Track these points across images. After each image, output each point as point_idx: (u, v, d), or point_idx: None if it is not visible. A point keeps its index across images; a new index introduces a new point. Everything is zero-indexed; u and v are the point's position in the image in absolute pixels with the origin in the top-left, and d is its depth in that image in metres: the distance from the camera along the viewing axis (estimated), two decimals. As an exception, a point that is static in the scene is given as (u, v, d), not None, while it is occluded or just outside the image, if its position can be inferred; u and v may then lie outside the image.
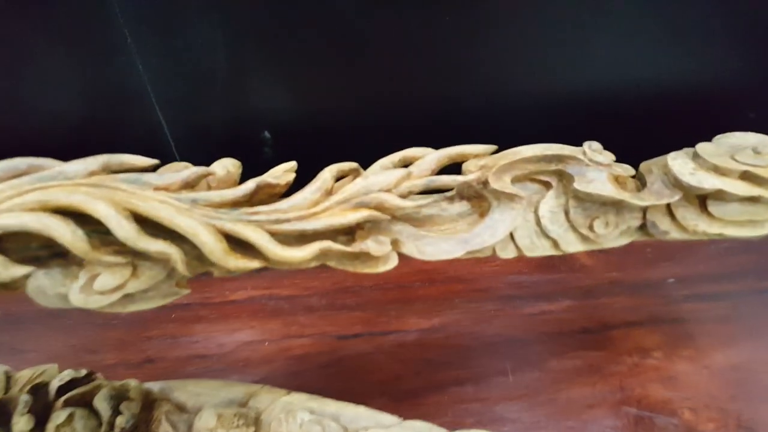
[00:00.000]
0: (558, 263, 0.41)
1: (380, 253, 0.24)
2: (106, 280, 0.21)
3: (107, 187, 0.20)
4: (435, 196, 0.26)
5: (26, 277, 0.20)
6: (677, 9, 0.41)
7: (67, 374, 0.30)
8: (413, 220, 0.25)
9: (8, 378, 0.30)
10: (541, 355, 0.35)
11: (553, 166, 0.25)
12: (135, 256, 0.21)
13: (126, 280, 0.21)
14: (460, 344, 0.36)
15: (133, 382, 0.31)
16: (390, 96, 0.47)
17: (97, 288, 0.21)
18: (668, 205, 0.27)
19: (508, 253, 0.25)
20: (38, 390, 0.29)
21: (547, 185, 0.26)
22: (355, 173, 0.24)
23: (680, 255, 0.40)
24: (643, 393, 0.32)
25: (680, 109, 0.45)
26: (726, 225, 0.27)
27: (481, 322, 0.37)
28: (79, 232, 0.20)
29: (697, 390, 0.32)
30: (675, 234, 0.27)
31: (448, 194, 0.26)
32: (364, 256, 0.24)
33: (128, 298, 0.22)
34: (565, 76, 0.45)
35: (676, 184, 0.26)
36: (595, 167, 0.25)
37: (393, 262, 0.25)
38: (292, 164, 0.24)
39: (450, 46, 0.44)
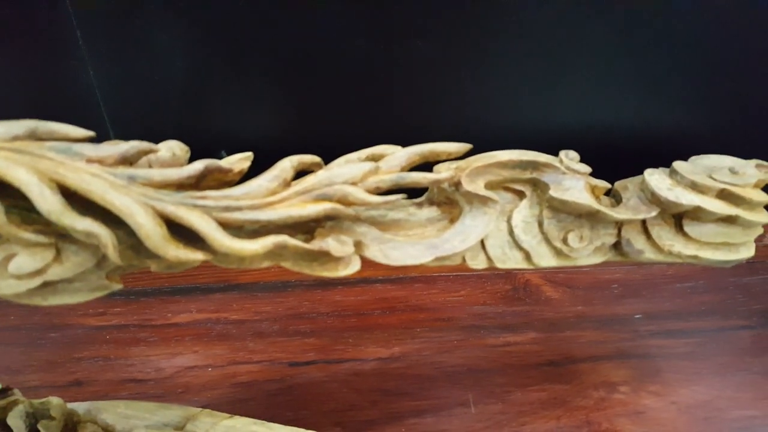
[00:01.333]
0: (523, 296, 0.40)
1: (342, 254, 0.22)
2: (24, 261, 0.18)
3: (31, 153, 0.18)
4: (403, 201, 0.24)
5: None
6: (639, 58, 0.42)
7: (-22, 388, 0.27)
8: (378, 223, 0.23)
9: None
10: (505, 387, 0.33)
11: (528, 174, 0.24)
12: (60, 238, 0.19)
13: (47, 264, 0.18)
14: (421, 374, 0.34)
15: (55, 400, 0.28)
16: (355, 120, 0.46)
17: (13, 271, 0.18)
18: (644, 224, 0.26)
19: (478, 262, 0.24)
20: (-62, 405, 0.26)
21: (521, 195, 0.25)
22: (317, 167, 0.22)
23: (646, 292, 0.40)
24: (610, 428, 0.30)
25: (642, 149, 0.46)
26: (701, 247, 0.26)
27: (443, 351, 0.35)
28: (-6, 201, 0.17)
29: (664, 426, 0.31)
30: (650, 254, 0.26)
31: (416, 200, 0.24)
32: (324, 257, 0.22)
33: (50, 287, 0.19)
34: (534, 115, 0.46)
35: (653, 199, 0.25)
36: (572, 176, 0.24)
37: (355, 266, 0.23)
38: (248, 154, 0.22)
39: (421, 77, 0.44)
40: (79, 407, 0.29)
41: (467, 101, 0.45)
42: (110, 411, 0.28)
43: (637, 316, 0.37)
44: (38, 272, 0.18)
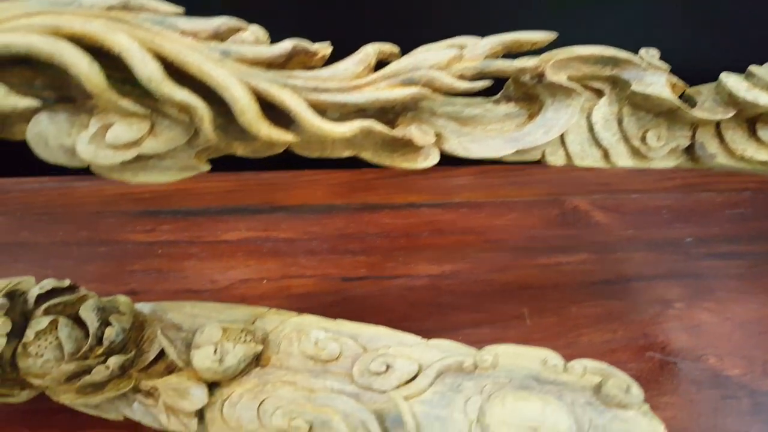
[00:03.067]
0: (572, 220, 0.40)
1: (424, 143, 0.21)
2: (121, 131, 0.18)
3: (129, 23, 0.18)
4: (479, 98, 0.24)
5: (27, 116, 0.17)
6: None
7: (48, 283, 0.27)
8: (456, 119, 0.23)
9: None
10: (559, 303, 0.33)
11: (607, 71, 0.24)
12: (154, 112, 0.19)
13: (142, 137, 0.18)
14: (474, 290, 0.34)
15: (122, 298, 0.28)
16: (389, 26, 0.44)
17: (110, 140, 0.18)
18: (717, 128, 0.25)
19: (557, 158, 0.23)
20: (14, 296, 0.26)
21: (599, 93, 0.24)
22: (394, 57, 0.22)
23: (696, 218, 0.39)
24: (667, 340, 0.31)
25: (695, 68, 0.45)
26: (775, 152, 0.26)
27: (495, 270, 0.36)
28: (96, 66, 0.17)
29: (720, 339, 0.31)
30: (722, 159, 0.26)
31: (492, 97, 0.24)
32: (404, 148, 0.22)
33: (142, 163, 0.19)
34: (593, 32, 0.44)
35: (730, 101, 0.24)
36: (653, 71, 0.23)
37: (434, 158, 0.22)
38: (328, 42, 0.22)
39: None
40: (144, 308, 0.29)
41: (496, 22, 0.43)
42: (176, 311, 0.29)
43: (688, 240, 0.37)
44: (134, 143, 0.18)
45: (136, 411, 0.27)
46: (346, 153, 0.22)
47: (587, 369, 0.22)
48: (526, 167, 0.44)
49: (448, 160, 0.45)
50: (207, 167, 0.21)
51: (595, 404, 0.21)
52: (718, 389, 0.29)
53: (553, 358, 0.22)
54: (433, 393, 0.23)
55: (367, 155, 0.22)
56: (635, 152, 0.24)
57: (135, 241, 0.38)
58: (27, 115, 0.18)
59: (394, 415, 0.23)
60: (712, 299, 0.33)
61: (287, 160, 0.46)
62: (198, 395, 0.25)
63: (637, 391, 0.21)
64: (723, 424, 0.27)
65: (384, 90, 0.20)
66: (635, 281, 0.34)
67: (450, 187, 0.42)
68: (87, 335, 0.26)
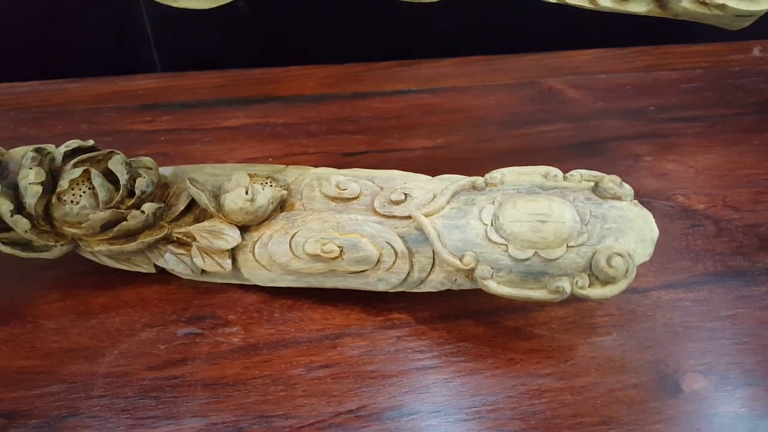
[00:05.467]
0: (548, 97, 0.43)
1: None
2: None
3: None
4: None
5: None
6: None
7: (73, 142, 0.28)
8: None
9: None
10: (544, 162, 0.36)
11: None
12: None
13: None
14: (466, 157, 0.37)
15: (146, 158, 0.30)
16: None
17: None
18: (684, -25, 0.29)
19: (550, -6, 0.26)
20: (42, 154, 0.27)
21: (583, -61, 0.27)
22: None
23: (656, 91, 0.43)
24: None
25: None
26: (730, -4, 0.29)
27: (483, 141, 0.39)
28: None
29: (686, 182, 0.35)
30: (686, 3, 0.29)
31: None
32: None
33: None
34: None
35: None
36: None
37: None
38: None
39: None
40: (165, 171, 0.31)
41: None
42: (197, 172, 0.30)
43: (651, 108, 0.41)
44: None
45: (169, 261, 0.29)
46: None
47: (583, 176, 0.25)
48: (505, 56, 0.47)
49: (432, 52, 0.47)
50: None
51: (594, 199, 0.24)
52: (687, 220, 0.33)
53: (554, 170, 0.26)
54: (450, 209, 0.26)
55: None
56: (617, -7, 0.27)
57: (137, 131, 0.39)
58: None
59: (415, 236, 0.26)
60: (676, 153, 0.37)
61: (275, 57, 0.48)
62: (232, 234, 0.27)
63: (628, 186, 0.24)
64: (693, 245, 0.31)
65: None
66: (609, 142, 0.38)
67: (434, 75, 0.45)
68: (117, 189, 0.27)
